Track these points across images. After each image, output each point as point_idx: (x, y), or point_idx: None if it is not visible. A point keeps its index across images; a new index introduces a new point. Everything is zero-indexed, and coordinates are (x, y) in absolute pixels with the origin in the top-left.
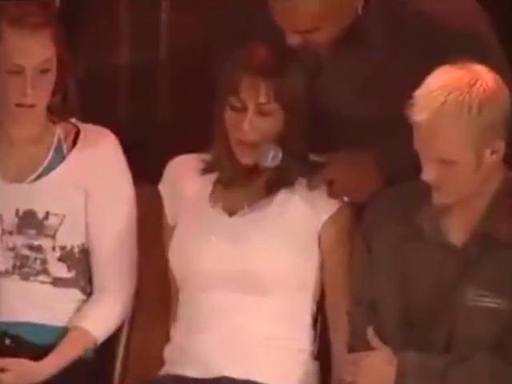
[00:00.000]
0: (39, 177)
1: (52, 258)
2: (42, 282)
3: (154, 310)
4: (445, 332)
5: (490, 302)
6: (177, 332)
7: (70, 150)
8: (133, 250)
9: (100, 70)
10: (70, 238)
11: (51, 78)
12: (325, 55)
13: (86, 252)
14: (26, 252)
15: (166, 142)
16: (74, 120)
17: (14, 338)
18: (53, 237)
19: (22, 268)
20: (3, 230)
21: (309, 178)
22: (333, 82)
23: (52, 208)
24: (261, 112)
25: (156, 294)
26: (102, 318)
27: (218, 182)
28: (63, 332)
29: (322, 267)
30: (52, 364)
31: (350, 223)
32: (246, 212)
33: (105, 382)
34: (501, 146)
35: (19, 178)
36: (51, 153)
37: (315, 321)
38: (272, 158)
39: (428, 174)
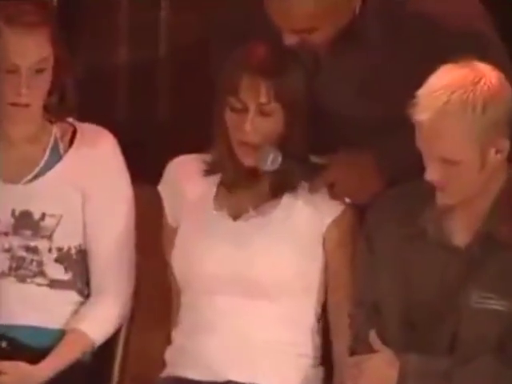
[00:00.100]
0: (36, 177)
1: (48, 259)
2: (39, 284)
3: (152, 311)
4: (448, 334)
5: (493, 303)
6: (178, 334)
7: (66, 150)
8: (131, 251)
9: (98, 69)
10: (66, 239)
11: (47, 77)
12: (322, 55)
13: (83, 253)
14: (22, 253)
15: (164, 142)
16: (71, 119)
17: (10, 340)
18: (49, 238)
19: (18, 270)
20: None
21: (310, 181)
22: (331, 82)
23: (48, 209)
24: (262, 112)
25: (155, 296)
26: (100, 320)
27: (221, 184)
28: (60, 335)
29: (326, 268)
30: (49, 367)
31: (354, 225)
32: (251, 216)
33: None
34: (505, 144)
35: (15, 178)
36: (47, 153)
37: (320, 325)
38: (271, 161)
39: (431, 174)
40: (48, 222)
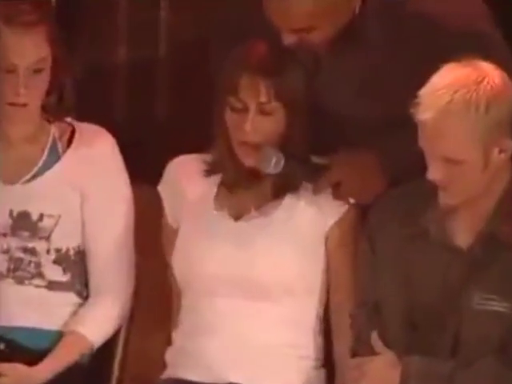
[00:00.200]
0: (34, 177)
1: (47, 260)
2: (37, 286)
3: (152, 312)
4: (450, 335)
5: (495, 305)
6: (179, 336)
7: (65, 150)
8: (130, 252)
9: (97, 68)
10: (65, 239)
11: (45, 77)
12: (322, 55)
13: (81, 254)
14: (20, 255)
15: (163, 142)
16: (69, 119)
17: (8, 342)
18: (47, 239)
19: (16, 271)
20: None
21: (313, 182)
22: (330, 82)
23: (47, 209)
24: (262, 112)
25: (155, 296)
26: (99, 322)
27: (221, 184)
28: (59, 336)
29: (327, 269)
30: (47, 369)
31: (356, 225)
32: (252, 216)
33: None
34: (509, 144)
35: (13, 179)
36: (46, 153)
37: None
38: (274, 164)
39: (434, 174)
40: (46, 222)
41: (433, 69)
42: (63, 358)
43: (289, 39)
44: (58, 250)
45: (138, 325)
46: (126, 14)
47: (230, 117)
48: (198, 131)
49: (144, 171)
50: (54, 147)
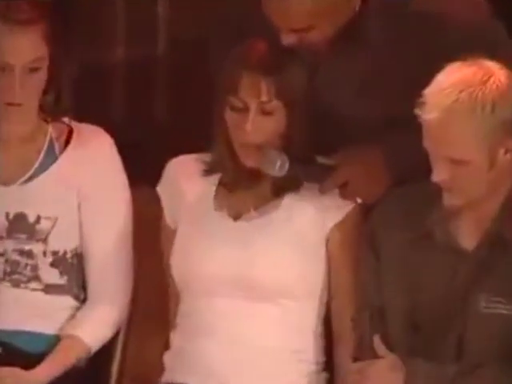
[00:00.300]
0: (30, 178)
1: (43, 263)
2: (33, 289)
3: (151, 314)
4: (455, 339)
5: (502, 308)
6: (177, 338)
7: (62, 151)
8: (128, 254)
9: (95, 67)
10: (62, 242)
11: (42, 76)
12: (322, 54)
13: (79, 257)
14: (17, 257)
15: (162, 142)
16: (66, 119)
17: (5, 346)
18: (44, 241)
19: (13, 274)
20: None
21: (319, 182)
22: (330, 82)
23: (44, 211)
24: (263, 111)
25: (153, 299)
26: (97, 325)
27: (221, 184)
28: (56, 340)
29: (329, 270)
30: (44, 373)
31: (358, 226)
32: (252, 216)
33: None
34: None
35: (10, 180)
36: (43, 153)
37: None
38: (279, 167)
39: (439, 175)
40: (43, 224)
41: (436, 68)
42: (60, 361)
43: (288, 39)
44: (55, 253)
45: (136, 327)
46: (125, 13)
47: (230, 117)
48: (197, 132)
49: (143, 172)
50: (51, 148)
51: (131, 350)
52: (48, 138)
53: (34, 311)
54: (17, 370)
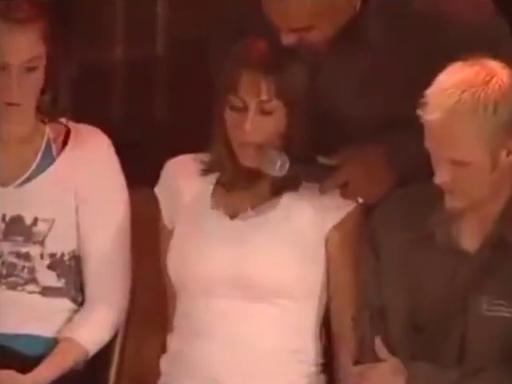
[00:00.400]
0: (27, 180)
1: (40, 266)
2: (30, 292)
3: (149, 316)
4: (457, 342)
5: (504, 310)
6: (174, 340)
7: (59, 152)
8: (126, 256)
9: (93, 67)
10: (59, 244)
11: (39, 76)
12: (322, 54)
13: (76, 259)
14: (13, 260)
15: (160, 143)
16: (64, 120)
17: (2, 349)
18: (41, 243)
19: (9, 277)
20: None
21: (320, 182)
22: (331, 82)
23: (41, 213)
24: (262, 111)
25: (151, 301)
26: (94, 328)
27: (218, 183)
28: (54, 343)
29: (328, 270)
30: (41, 376)
31: (358, 226)
32: (249, 215)
33: None
34: None
35: (6, 181)
36: (40, 154)
37: (321, 332)
38: (279, 167)
39: (441, 177)
40: (40, 227)
41: (437, 68)
42: (58, 364)
43: (288, 39)
44: (52, 255)
45: (134, 329)
46: (123, 12)
47: (229, 116)
48: (196, 132)
49: (141, 173)
50: (48, 149)
51: (129, 352)
52: (45, 139)
53: (31, 314)
54: (14, 373)
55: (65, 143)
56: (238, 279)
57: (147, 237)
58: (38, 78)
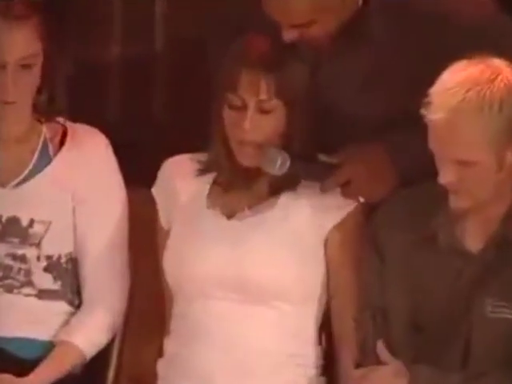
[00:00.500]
0: (24, 180)
1: (37, 268)
2: (27, 295)
3: (147, 319)
4: (461, 344)
5: (508, 312)
6: (171, 343)
7: (56, 152)
8: (124, 257)
9: (90, 66)
10: (56, 246)
11: (35, 74)
12: (323, 51)
13: (73, 261)
14: (10, 262)
15: (158, 142)
16: (61, 119)
17: None
18: (38, 245)
19: (5, 279)
20: None
21: (321, 181)
22: (332, 79)
23: (37, 214)
24: (262, 110)
25: (149, 303)
26: (92, 331)
27: (215, 183)
28: (50, 346)
29: (328, 271)
30: (38, 379)
31: (360, 226)
32: (246, 215)
33: None
34: None
35: (2, 182)
36: (36, 155)
37: (321, 334)
38: (280, 165)
39: (445, 177)
40: (37, 228)
41: (440, 65)
42: (55, 368)
43: (289, 35)
44: (48, 257)
45: (132, 332)
46: (121, 10)
47: (228, 115)
48: (194, 132)
49: (139, 173)
50: (45, 149)
51: (127, 355)
52: (42, 138)
53: (27, 317)
54: (10, 377)
55: (62, 143)
56: (235, 280)
57: (145, 238)
58: (34, 77)
